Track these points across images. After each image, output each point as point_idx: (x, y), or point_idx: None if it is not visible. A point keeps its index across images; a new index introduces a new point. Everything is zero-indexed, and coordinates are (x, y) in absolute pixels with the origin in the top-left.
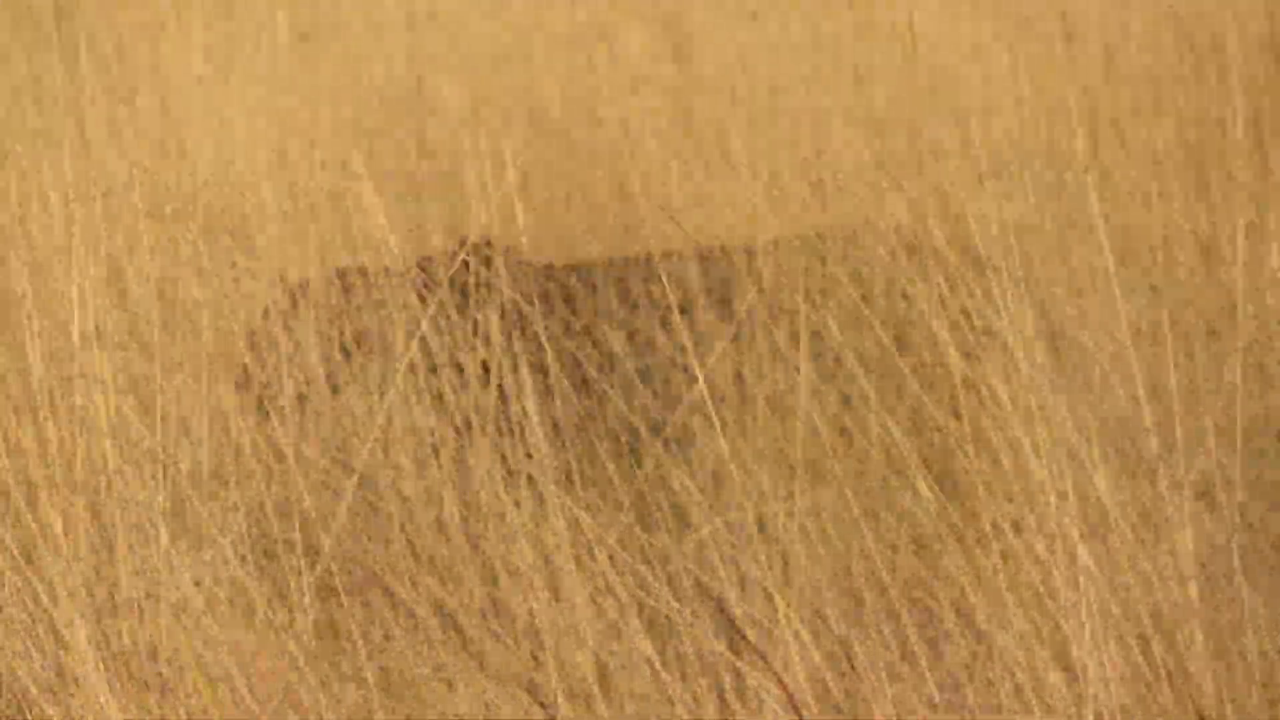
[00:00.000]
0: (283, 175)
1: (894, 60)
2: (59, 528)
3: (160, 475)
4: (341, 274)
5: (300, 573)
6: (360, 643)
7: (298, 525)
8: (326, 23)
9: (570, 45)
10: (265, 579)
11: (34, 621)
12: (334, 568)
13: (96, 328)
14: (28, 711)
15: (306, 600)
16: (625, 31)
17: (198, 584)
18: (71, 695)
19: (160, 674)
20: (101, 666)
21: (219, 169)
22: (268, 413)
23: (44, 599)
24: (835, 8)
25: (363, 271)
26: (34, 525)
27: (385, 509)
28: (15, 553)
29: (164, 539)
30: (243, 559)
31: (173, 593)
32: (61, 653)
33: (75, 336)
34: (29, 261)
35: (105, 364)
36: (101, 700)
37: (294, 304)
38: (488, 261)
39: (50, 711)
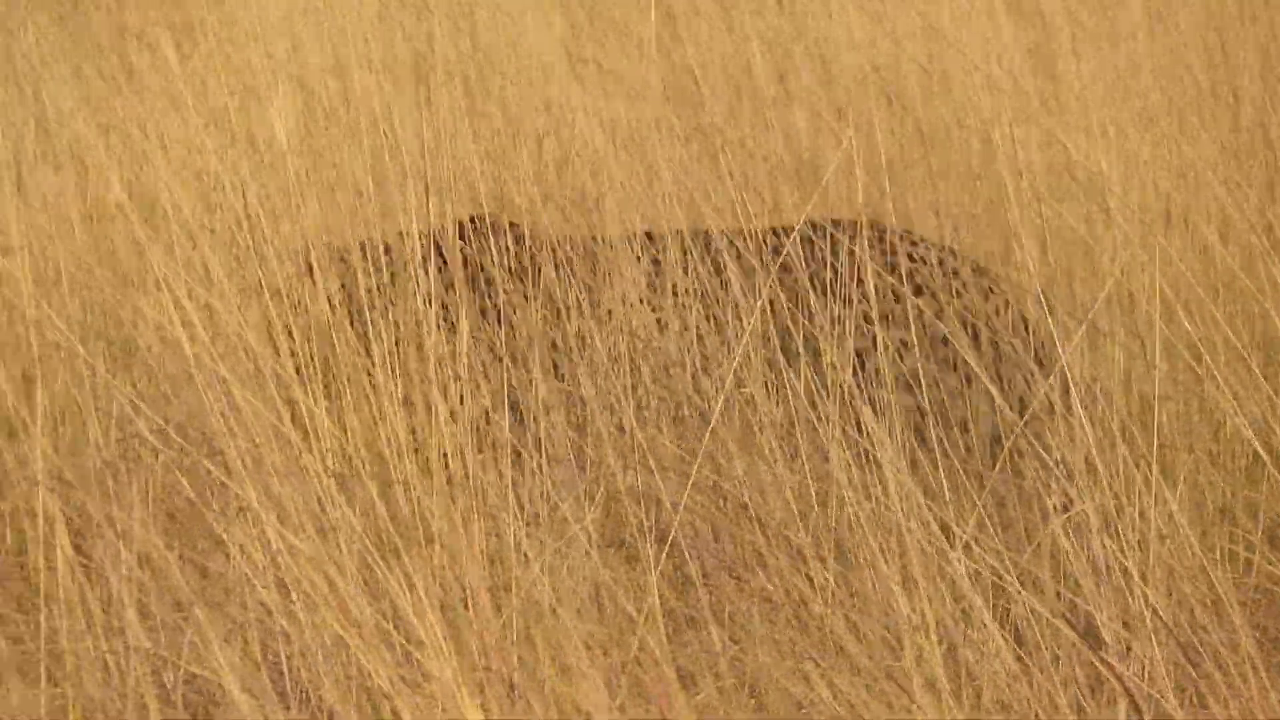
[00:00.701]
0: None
1: None
2: (416, 518)
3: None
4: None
5: (652, 561)
6: (714, 633)
7: (647, 511)
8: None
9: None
10: (618, 568)
11: (385, 617)
12: (686, 555)
13: None
14: (382, 709)
15: (658, 590)
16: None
17: (550, 574)
18: (425, 691)
19: (514, 668)
20: (455, 661)
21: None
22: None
23: (396, 592)
24: None
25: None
26: (386, 516)
27: (736, 494)
28: (369, 544)
29: (514, 529)
30: (596, 548)
31: (524, 583)
32: (414, 649)
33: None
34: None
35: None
36: (456, 695)
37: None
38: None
39: (403, 707)
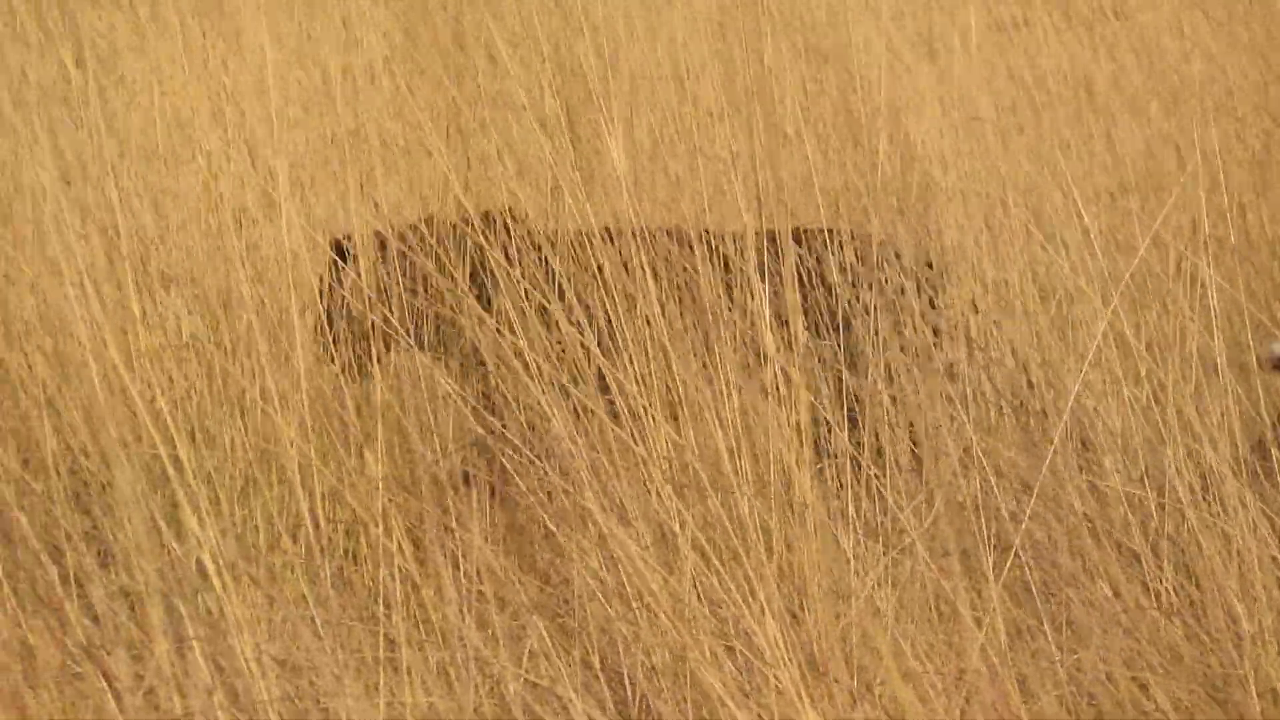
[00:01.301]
0: None
1: None
2: (756, 527)
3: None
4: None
5: (991, 571)
6: (1050, 642)
7: (985, 521)
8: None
9: None
10: (957, 577)
11: (725, 626)
12: (1027, 564)
13: None
14: (720, 718)
15: (997, 598)
16: None
17: (889, 582)
18: (764, 700)
19: (852, 676)
20: (795, 669)
21: None
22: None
23: (736, 597)
24: None
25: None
26: (727, 525)
27: (1069, 503)
28: (708, 550)
29: (852, 538)
30: (935, 557)
31: (862, 590)
32: (754, 657)
33: None
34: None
35: None
36: (796, 704)
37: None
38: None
39: (741, 716)
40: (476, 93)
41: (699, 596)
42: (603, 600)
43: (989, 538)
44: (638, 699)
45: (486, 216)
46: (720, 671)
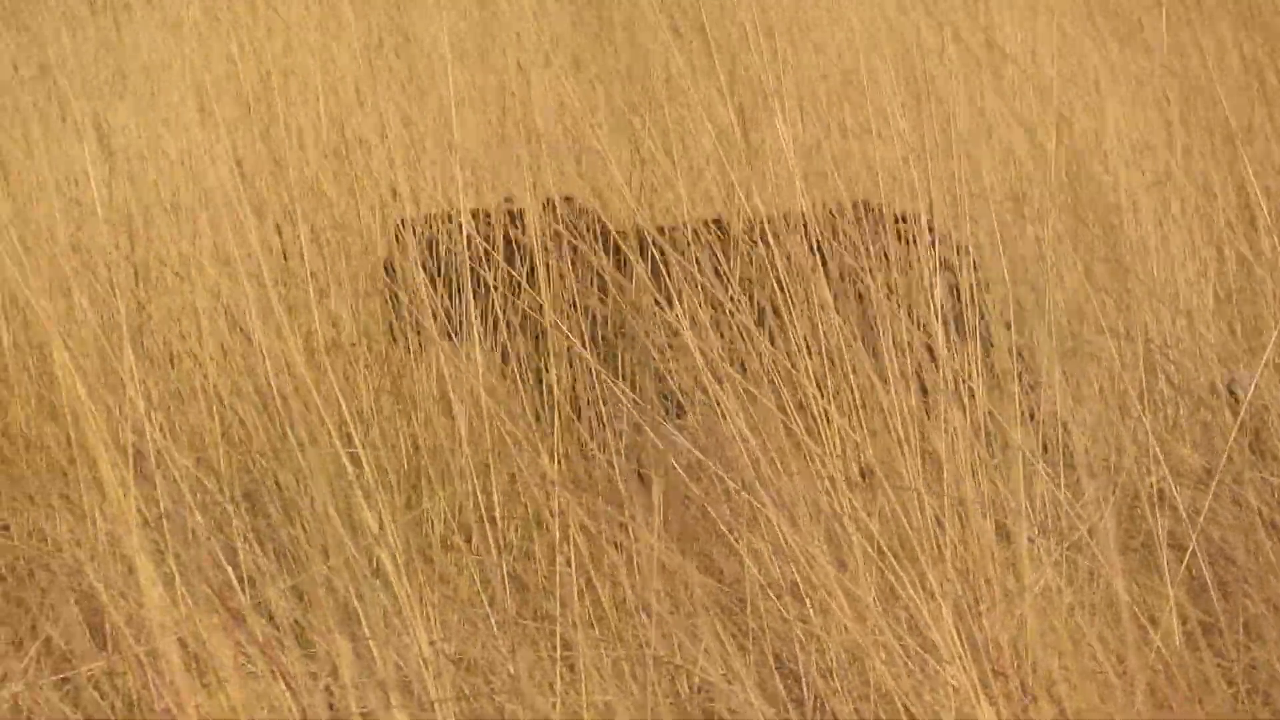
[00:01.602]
0: None
1: None
2: (930, 525)
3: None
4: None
5: (1167, 569)
6: (1226, 641)
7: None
8: None
9: None
10: (1135, 575)
11: (899, 623)
12: (1203, 562)
13: None
14: (897, 715)
15: (1173, 596)
16: None
17: (1064, 580)
18: (939, 697)
19: (1028, 673)
20: (971, 667)
21: None
22: None
23: (911, 594)
24: None
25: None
26: (904, 522)
27: (1247, 500)
28: (882, 548)
29: (1026, 534)
30: (1113, 553)
31: (1037, 587)
32: (929, 655)
33: None
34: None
35: None
36: (972, 701)
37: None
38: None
39: (917, 713)
40: (648, 94)
41: (874, 594)
42: (777, 598)
43: (1165, 535)
44: (813, 697)
45: (569, 202)
46: (895, 669)
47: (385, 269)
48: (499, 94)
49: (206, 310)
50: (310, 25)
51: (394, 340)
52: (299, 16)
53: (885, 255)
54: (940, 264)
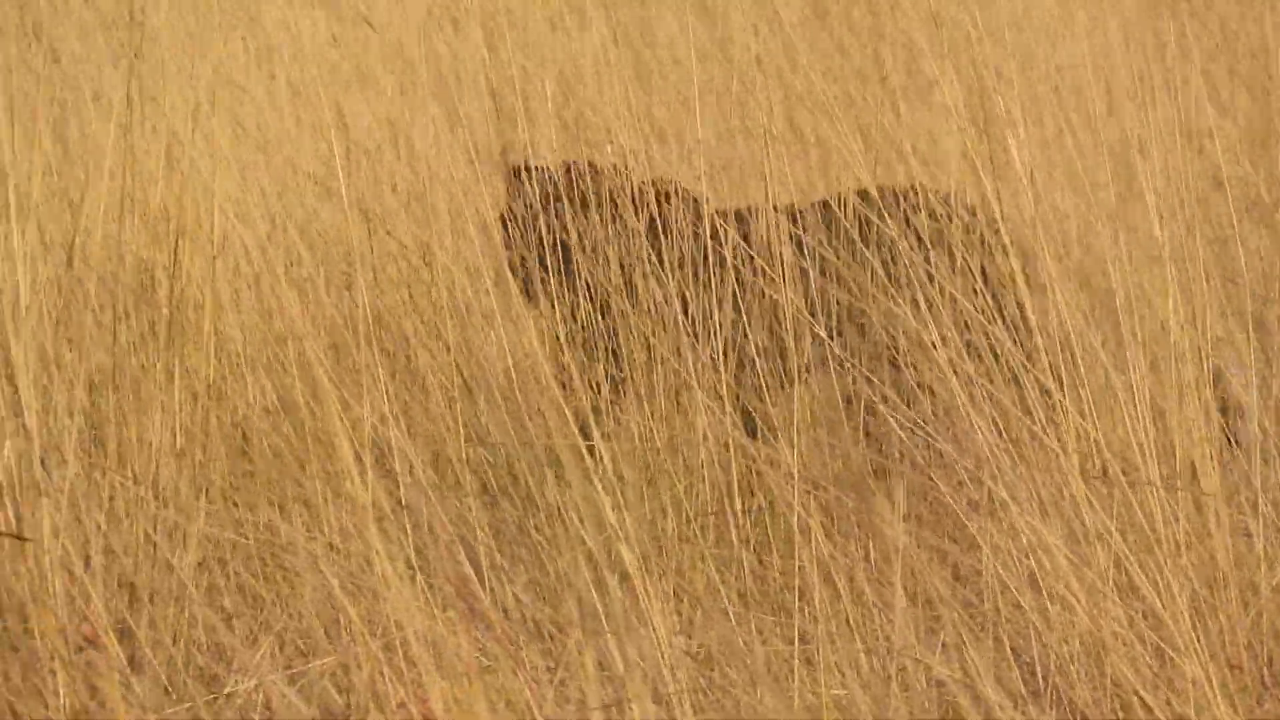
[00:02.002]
0: None
1: None
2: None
3: None
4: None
5: None
6: None
7: None
8: None
9: None
10: None
11: (1138, 618)
12: None
13: None
14: (1133, 709)
15: None
16: None
17: None
18: (1177, 690)
19: (1265, 666)
20: (1207, 659)
21: None
22: None
23: (1148, 587)
24: None
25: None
26: (1141, 518)
27: None
28: (1120, 541)
29: (1258, 531)
30: None
31: (1274, 580)
32: (1167, 648)
33: None
34: None
35: None
36: (1208, 693)
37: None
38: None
39: (1155, 707)
40: (886, 89)
41: (1111, 587)
42: (1015, 591)
43: None
44: (1049, 688)
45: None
46: (1133, 661)
47: (503, 220)
48: (729, 90)
49: (445, 304)
50: (543, 21)
51: (528, 297)
52: (536, 15)
53: None
54: None
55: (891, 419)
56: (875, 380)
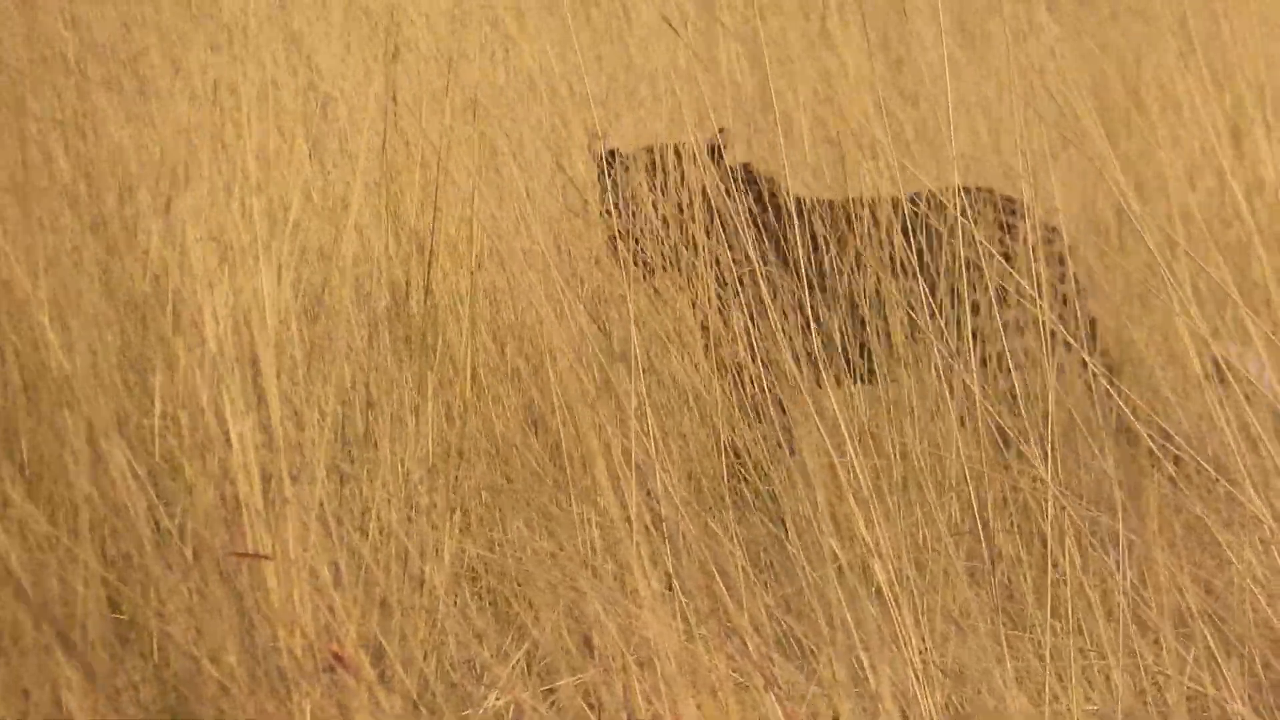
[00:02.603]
0: None
1: None
2: None
3: None
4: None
5: None
6: None
7: None
8: None
9: None
10: None
11: None
12: None
13: None
14: None
15: None
16: None
17: None
18: None
19: None
20: None
21: None
22: None
23: None
24: None
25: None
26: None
27: None
28: None
29: None
30: None
31: None
32: None
33: None
34: None
35: None
36: None
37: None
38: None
39: None
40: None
41: None
42: (1268, 606)
43: None
44: None
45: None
46: None
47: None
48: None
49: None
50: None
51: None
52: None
53: None
54: None
55: (1144, 433)
56: (1124, 391)
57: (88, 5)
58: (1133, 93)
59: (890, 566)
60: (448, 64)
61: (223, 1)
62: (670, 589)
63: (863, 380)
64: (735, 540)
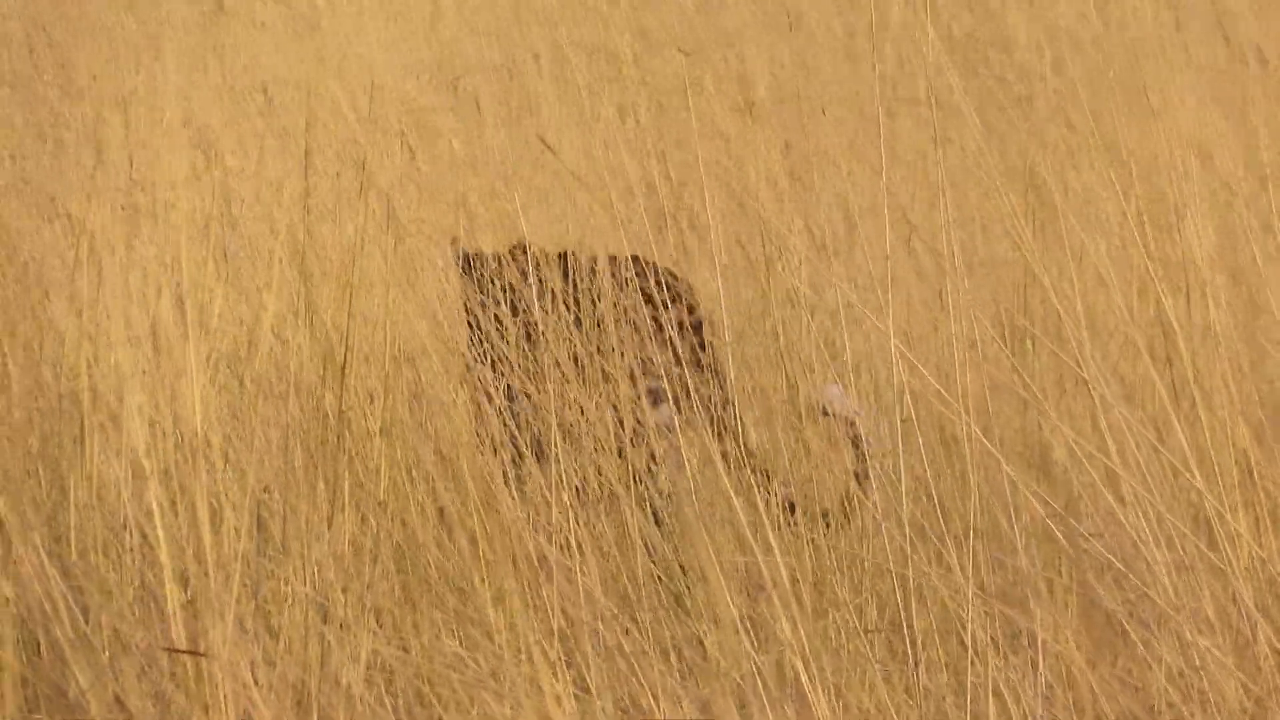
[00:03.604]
0: None
1: None
2: None
3: None
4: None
5: None
6: None
7: None
8: None
9: None
10: None
11: None
12: None
13: None
14: None
15: None
16: None
17: None
18: None
19: None
20: None
21: None
22: None
23: None
24: None
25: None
26: None
27: None
28: None
29: None
30: None
31: None
32: None
33: None
34: None
35: None
36: None
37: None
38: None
39: None
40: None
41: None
42: (1182, 706)
43: None
44: None
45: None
46: None
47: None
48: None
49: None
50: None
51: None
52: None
53: None
54: None
55: (1056, 531)
56: (1037, 491)
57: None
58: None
59: (810, 664)
60: (361, 166)
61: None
62: (587, 691)
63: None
64: (650, 641)
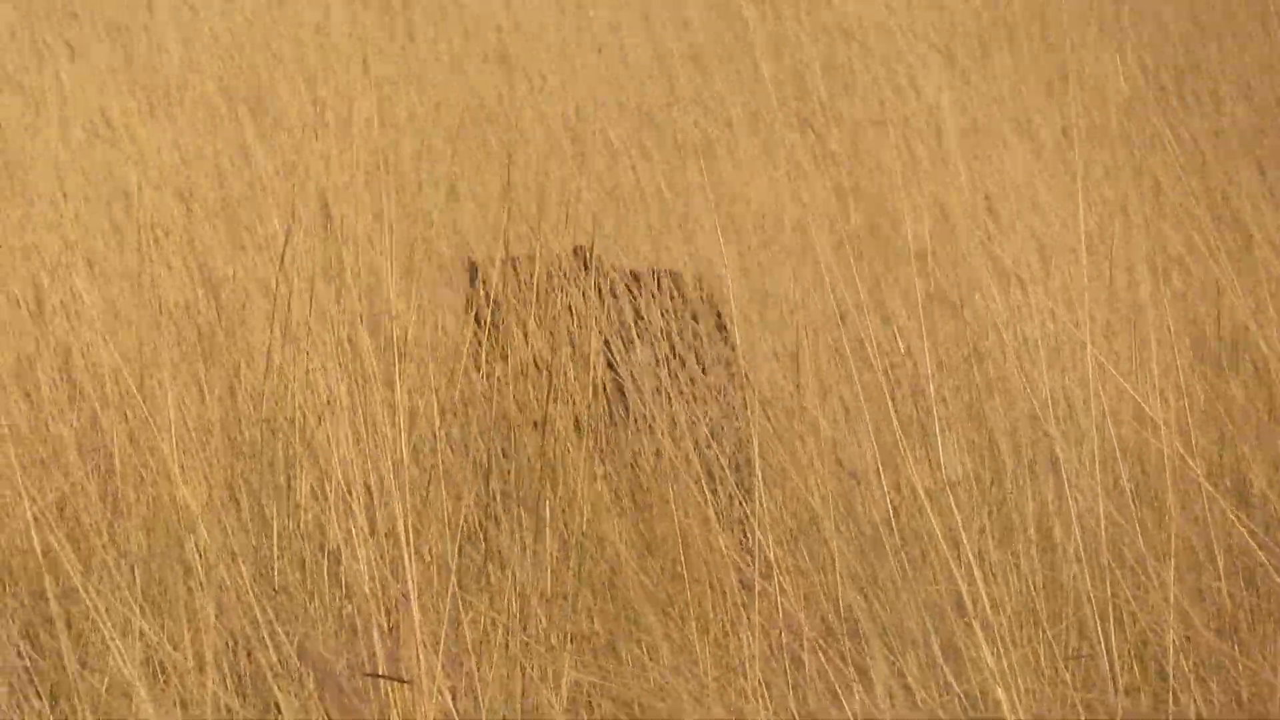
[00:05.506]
0: None
1: None
2: None
3: None
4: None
5: None
6: None
7: None
8: None
9: None
10: None
11: None
12: None
13: None
14: None
15: None
16: None
17: None
18: None
19: None
20: None
21: None
22: None
23: None
24: None
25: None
26: None
27: None
28: None
29: None
30: None
31: None
32: None
33: None
34: None
35: None
36: None
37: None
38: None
39: None
40: None
41: None
42: None
43: None
44: None
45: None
46: None
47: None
48: None
49: (818, 452)
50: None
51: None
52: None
53: None
54: None
55: (1260, 559)
56: (1239, 517)
57: None
58: None
59: (1016, 695)
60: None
61: None
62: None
63: None
64: (851, 668)
